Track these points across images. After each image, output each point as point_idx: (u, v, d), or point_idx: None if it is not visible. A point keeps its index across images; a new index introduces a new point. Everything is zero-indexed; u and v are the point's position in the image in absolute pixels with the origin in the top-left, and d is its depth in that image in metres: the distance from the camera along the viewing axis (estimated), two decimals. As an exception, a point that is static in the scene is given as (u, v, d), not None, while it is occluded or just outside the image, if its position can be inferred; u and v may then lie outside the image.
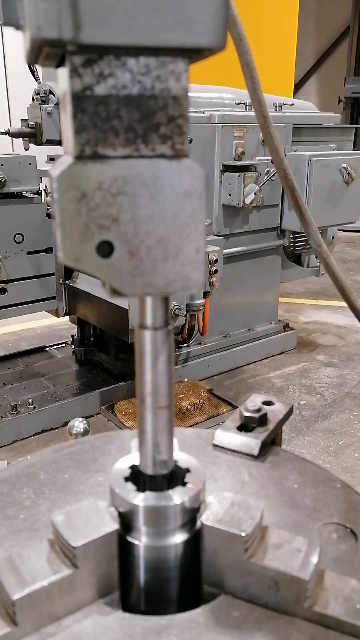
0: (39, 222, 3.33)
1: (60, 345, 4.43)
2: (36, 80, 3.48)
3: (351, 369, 4.39)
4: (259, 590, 0.67)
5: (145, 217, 0.56)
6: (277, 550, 0.68)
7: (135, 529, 0.69)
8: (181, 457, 0.74)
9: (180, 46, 0.52)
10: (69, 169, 0.54)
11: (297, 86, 13.92)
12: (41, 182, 3.36)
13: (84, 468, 0.95)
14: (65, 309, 3.69)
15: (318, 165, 3.83)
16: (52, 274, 3.49)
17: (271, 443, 1.01)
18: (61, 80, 0.55)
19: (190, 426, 3.33)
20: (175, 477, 0.71)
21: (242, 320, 4.39)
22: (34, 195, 3.32)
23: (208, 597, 0.70)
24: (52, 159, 3.54)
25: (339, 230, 4.91)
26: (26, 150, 3.37)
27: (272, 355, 4.56)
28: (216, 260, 3.47)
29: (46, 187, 3.41)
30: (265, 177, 3.85)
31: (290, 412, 1.06)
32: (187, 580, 0.71)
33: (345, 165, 3.95)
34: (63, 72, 0.53)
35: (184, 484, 0.70)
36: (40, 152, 3.39)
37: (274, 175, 3.81)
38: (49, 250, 3.42)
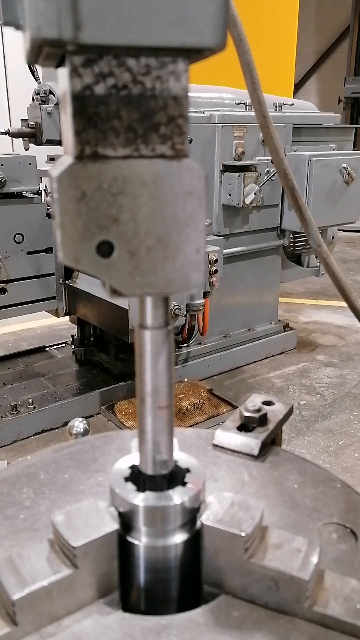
0: (39, 222, 3.33)
1: (60, 345, 4.43)
2: (36, 80, 3.48)
3: (351, 369, 4.39)
4: (259, 590, 0.67)
5: (145, 217, 0.56)
6: (277, 550, 0.68)
7: (135, 529, 0.69)
8: (181, 457, 0.74)
9: (180, 46, 0.52)
10: (69, 169, 0.54)
11: (297, 86, 13.92)
12: (41, 182, 3.36)
13: (84, 468, 0.95)
14: (65, 309, 3.69)
15: (318, 165, 3.83)
16: (52, 274, 3.49)
17: (271, 443, 1.01)
18: (61, 80, 0.55)
19: (190, 426, 3.33)
20: (175, 477, 0.71)
21: (242, 320, 4.39)
22: (34, 195, 3.32)
23: (208, 597, 0.70)
24: (52, 159, 3.54)
25: (339, 230, 4.91)
26: (26, 150, 3.37)
27: (272, 355, 4.56)
28: (216, 260, 3.47)
29: (46, 187, 3.41)
30: (265, 177, 3.85)
31: (290, 412, 1.06)
32: (187, 580, 0.71)
33: (345, 165, 3.95)
34: (63, 72, 0.53)
35: (184, 484, 0.70)
36: (40, 152, 3.39)
37: (274, 175, 3.81)
38: (49, 250, 3.42)
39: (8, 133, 3.32)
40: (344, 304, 1.05)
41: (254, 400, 1.04)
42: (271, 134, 0.85)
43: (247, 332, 4.43)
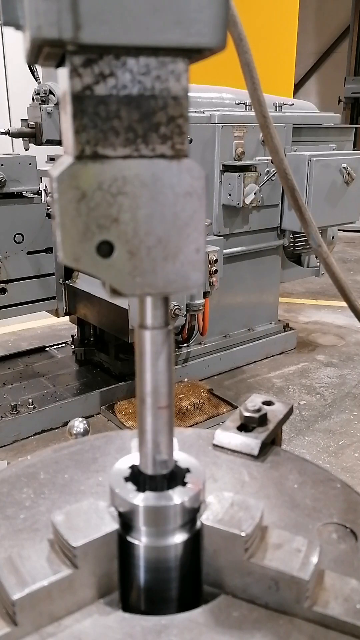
0: (39, 222, 3.33)
1: (60, 345, 4.43)
2: (36, 80, 3.48)
3: (351, 369, 4.39)
4: (259, 590, 0.67)
5: (145, 217, 0.56)
6: (277, 550, 0.68)
7: (135, 529, 0.69)
8: (181, 457, 0.74)
9: (180, 46, 0.51)
10: (69, 169, 0.54)
11: (297, 86, 13.92)
12: (41, 182, 3.36)
13: (84, 468, 0.95)
14: (65, 309, 3.69)
15: (318, 165, 3.83)
16: (52, 274, 3.49)
17: (271, 443, 1.01)
18: (61, 80, 0.55)
19: (190, 426, 3.33)
20: (175, 477, 0.71)
21: (242, 320, 4.39)
22: (34, 195, 3.32)
23: (208, 597, 0.70)
24: (52, 159, 3.54)
25: (339, 230, 4.91)
26: (26, 150, 3.37)
27: (272, 355, 4.56)
28: (216, 260, 3.47)
29: (46, 187, 3.41)
30: (265, 177, 3.85)
31: (290, 412, 1.06)
32: (187, 580, 0.71)
33: (345, 165, 3.95)
34: (63, 72, 0.53)
35: (184, 484, 0.70)
36: (40, 152, 3.39)
37: (274, 175, 3.81)
38: (49, 250, 3.42)
39: (8, 133, 3.32)
40: (344, 304, 1.05)
41: (254, 400, 1.04)
42: (271, 134, 0.85)
43: (247, 332, 4.43)
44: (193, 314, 3.60)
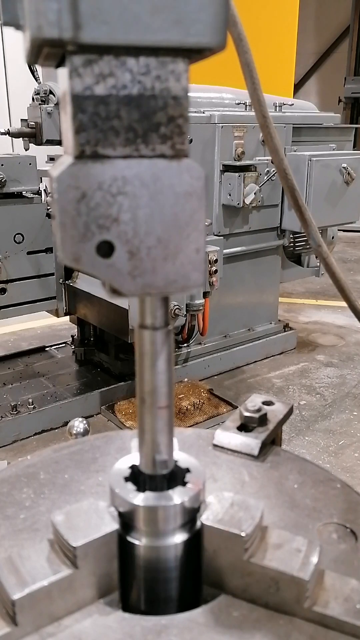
0: (39, 222, 3.33)
1: (60, 345, 4.43)
2: (36, 80, 3.48)
3: (351, 369, 4.39)
4: (259, 590, 0.67)
5: (145, 217, 0.56)
6: (277, 550, 0.68)
7: (135, 529, 0.69)
8: (181, 457, 0.74)
9: (180, 46, 0.51)
10: (69, 169, 0.54)
11: (297, 86, 13.92)
12: (41, 182, 3.36)
13: (84, 468, 0.95)
14: (65, 309, 3.69)
15: (318, 165, 3.83)
16: (52, 274, 3.49)
17: (271, 443, 1.01)
18: (61, 80, 0.55)
19: (190, 426, 3.33)
20: (175, 477, 0.71)
21: (242, 320, 4.39)
22: (34, 195, 3.31)
23: (208, 597, 0.70)
24: (52, 159, 3.54)
25: (339, 230, 4.91)
26: (26, 150, 3.36)
27: (272, 355, 4.56)
28: (216, 260, 3.47)
29: (46, 187, 3.41)
30: (265, 177, 3.85)
31: (290, 412, 1.06)
32: (187, 580, 0.71)
33: (345, 165, 3.95)
34: (63, 72, 0.53)
35: (184, 484, 0.70)
36: (40, 152, 3.39)
37: (274, 175, 3.81)
38: (49, 250, 3.42)
39: (8, 133, 3.32)
40: (344, 304, 1.05)
41: (254, 400, 1.04)
42: (271, 134, 0.85)
43: (247, 332, 4.43)
44: (193, 314, 3.60)
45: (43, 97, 3.31)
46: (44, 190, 3.37)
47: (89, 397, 3.61)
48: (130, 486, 0.70)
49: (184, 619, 0.66)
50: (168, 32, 0.50)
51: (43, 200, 3.35)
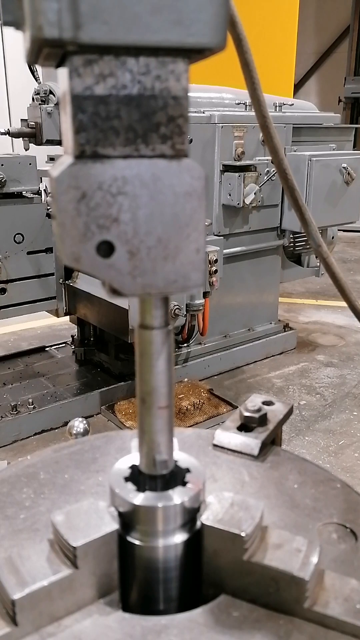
0: (39, 222, 3.33)
1: (60, 345, 4.43)
2: (36, 80, 3.48)
3: (351, 369, 4.39)
4: (259, 590, 0.67)
5: (145, 217, 0.56)
6: (277, 550, 0.68)
7: (135, 529, 0.69)
8: (181, 457, 0.74)
9: (180, 46, 0.51)
10: (69, 169, 0.54)
11: (297, 86, 13.92)
12: (41, 182, 3.36)
13: (84, 468, 0.95)
14: (65, 309, 3.69)
15: (318, 165, 3.83)
16: (52, 274, 3.49)
17: (271, 443, 1.01)
18: (61, 80, 0.55)
19: (190, 426, 3.33)
20: (175, 477, 0.71)
21: (242, 320, 4.39)
22: (34, 195, 3.31)
23: (208, 597, 0.70)
24: (52, 159, 3.54)
25: (339, 230, 4.91)
26: (26, 150, 3.37)
27: (272, 355, 4.56)
28: (216, 260, 3.47)
29: (46, 187, 3.41)
30: (265, 177, 3.85)
31: (290, 412, 1.06)
32: (187, 580, 0.71)
33: (345, 165, 3.95)
34: (63, 72, 0.53)
35: (184, 484, 0.70)
36: (40, 152, 3.39)
37: (274, 175, 3.81)
38: (49, 250, 3.42)
39: (8, 133, 3.32)
40: (344, 304, 1.05)
41: (254, 400, 1.04)
42: (271, 134, 0.85)
43: (247, 332, 4.43)
44: (193, 314, 3.60)
45: (43, 97, 3.31)
46: (44, 190, 3.37)
47: (89, 397, 3.61)
48: (130, 486, 0.70)
49: (184, 619, 0.66)
50: (168, 32, 0.50)
51: (43, 200, 3.35)
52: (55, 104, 3.30)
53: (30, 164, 3.21)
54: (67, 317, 3.97)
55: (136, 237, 0.56)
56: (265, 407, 1.03)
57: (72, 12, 0.48)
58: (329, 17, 14.55)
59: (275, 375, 4.26)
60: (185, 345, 3.97)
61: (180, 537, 0.69)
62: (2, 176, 3.09)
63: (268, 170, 3.85)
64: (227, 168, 3.78)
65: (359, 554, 0.77)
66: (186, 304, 3.46)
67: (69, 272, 3.59)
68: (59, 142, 3.31)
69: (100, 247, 0.56)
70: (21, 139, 3.36)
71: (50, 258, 3.44)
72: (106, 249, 0.56)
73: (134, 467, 0.72)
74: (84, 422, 1.09)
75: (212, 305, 3.82)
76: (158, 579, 0.70)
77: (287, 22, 6.38)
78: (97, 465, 0.95)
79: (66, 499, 0.87)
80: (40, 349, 4.37)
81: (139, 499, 0.68)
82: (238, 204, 3.77)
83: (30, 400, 3.47)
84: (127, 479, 0.71)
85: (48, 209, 3.34)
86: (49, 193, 3.11)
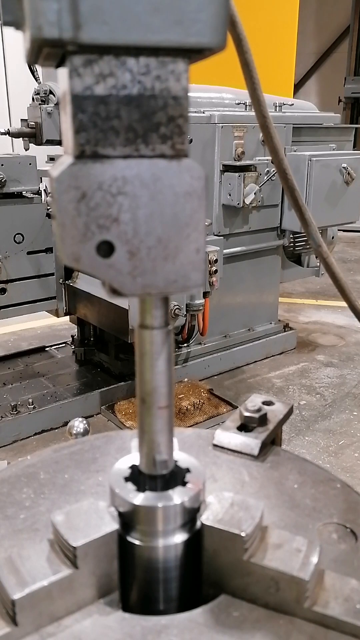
0: (39, 222, 3.33)
1: (60, 345, 4.43)
2: (36, 80, 3.48)
3: (351, 369, 4.39)
4: (259, 590, 0.67)
5: (145, 217, 0.56)
6: (277, 550, 0.68)
7: (135, 529, 0.69)
8: (181, 457, 0.74)
9: (180, 46, 0.51)
10: (69, 169, 0.54)
11: (297, 86, 13.92)
12: (41, 182, 3.36)
13: (84, 468, 0.95)
14: (65, 309, 3.69)
15: (318, 165, 3.83)
16: (52, 274, 3.49)
17: (271, 443, 1.01)
18: (61, 80, 0.55)
19: (190, 426, 3.33)
20: (175, 477, 0.71)
21: (242, 320, 4.39)
22: (34, 195, 3.32)
23: (208, 597, 0.70)
24: (52, 159, 3.54)
25: (339, 230, 4.91)
26: (26, 150, 3.37)
27: (272, 355, 4.56)
28: (216, 260, 3.47)
29: (46, 187, 3.41)
30: (265, 177, 3.85)
31: (290, 412, 1.06)
32: (187, 580, 0.71)
33: (345, 165, 3.95)
34: (63, 72, 0.53)
35: (184, 484, 0.70)
36: (40, 152, 3.39)
37: (274, 175, 3.81)
38: (49, 250, 3.42)
39: (8, 133, 3.32)
40: (344, 304, 1.05)
41: (254, 400, 1.04)
42: (271, 134, 0.85)
43: (247, 332, 4.43)
44: (193, 314, 3.60)
45: (43, 97, 3.31)
46: (44, 190, 3.37)
47: (89, 397, 3.61)
48: (130, 486, 0.70)
49: (184, 619, 0.66)
50: (168, 32, 0.50)
51: (43, 200, 3.35)
52: (55, 104, 3.30)
53: (30, 164, 3.21)
54: (67, 317, 3.97)
55: (136, 237, 0.56)
56: (265, 407, 1.03)
57: (72, 12, 0.48)
58: (329, 17, 14.54)
59: (275, 375, 4.26)
60: (185, 345, 3.97)
61: (180, 537, 0.69)
62: (2, 176, 3.09)
63: (268, 170, 3.85)
64: (227, 168, 3.78)
65: (359, 554, 0.77)
66: (186, 304, 3.46)
67: (69, 272, 3.59)
68: (59, 142, 3.31)
69: (100, 247, 0.56)
70: (21, 139, 3.36)
71: (50, 258, 3.44)
72: (106, 249, 0.56)
73: (134, 467, 0.72)
74: (84, 422, 1.09)
75: (212, 305, 3.82)
76: (158, 579, 0.70)
77: (287, 22, 6.38)
78: (97, 465, 0.95)
79: (66, 499, 0.87)
80: (40, 349, 4.37)
81: (139, 499, 0.68)
82: (238, 204, 3.77)
83: (30, 400, 3.47)
84: (127, 479, 0.71)
85: (48, 209, 3.34)
86: (49, 193, 3.11)
